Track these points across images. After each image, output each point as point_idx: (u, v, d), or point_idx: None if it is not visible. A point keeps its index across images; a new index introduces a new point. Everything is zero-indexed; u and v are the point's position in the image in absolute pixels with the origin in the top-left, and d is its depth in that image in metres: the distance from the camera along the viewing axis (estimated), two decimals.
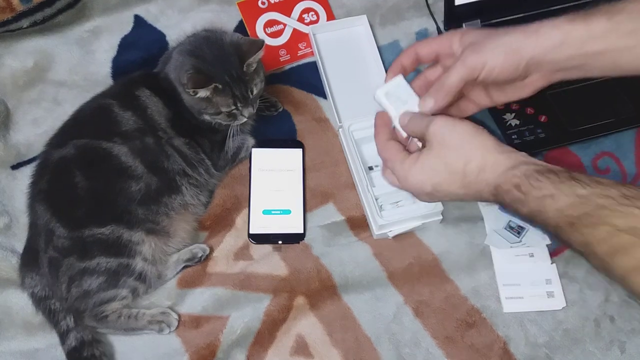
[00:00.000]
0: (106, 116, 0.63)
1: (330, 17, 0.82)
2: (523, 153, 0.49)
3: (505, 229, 0.66)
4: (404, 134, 0.55)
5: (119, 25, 0.81)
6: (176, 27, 0.80)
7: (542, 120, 0.71)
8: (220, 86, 0.61)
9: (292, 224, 0.67)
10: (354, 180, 0.69)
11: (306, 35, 0.80)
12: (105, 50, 0.79)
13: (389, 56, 0.78)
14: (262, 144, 0.71)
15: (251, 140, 0.71)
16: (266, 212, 0.68)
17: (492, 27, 0.53)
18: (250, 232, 0.67)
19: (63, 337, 0.60)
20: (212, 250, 0.66)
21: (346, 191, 0.69)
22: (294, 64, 0.79)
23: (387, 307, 0.63)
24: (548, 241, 0.65)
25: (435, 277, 0.64)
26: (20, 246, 0.65)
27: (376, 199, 0.65)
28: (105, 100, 0.65)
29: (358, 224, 0.67)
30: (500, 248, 0.65)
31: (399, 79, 0.56)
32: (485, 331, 0.61)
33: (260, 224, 0.67)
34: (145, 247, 0.61)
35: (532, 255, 0.65)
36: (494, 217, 0.67)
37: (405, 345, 0.61)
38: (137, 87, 0.65)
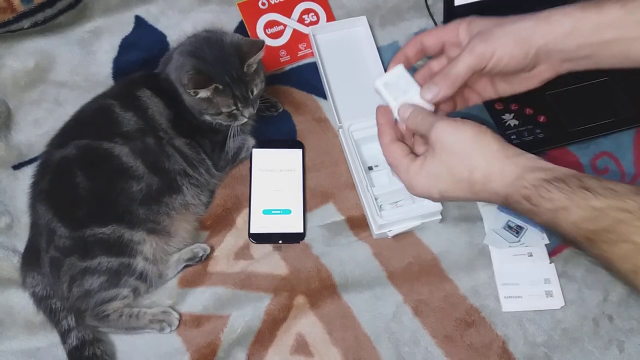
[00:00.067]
0: (107, 117, 0.64)
1: (330, 18, 0.82)
2: (530, 156, 0.47)
3: (504, 228, 0.66)
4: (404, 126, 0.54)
5: (120, 25, 0.81)
6: (177, 28, 0.80)
7: (541, 120, 0.71)
8: (220, 87, 0.61)
9: (292, 224, 0.67)
10: (353, 180, 0.70)
11: (306, 36, 0.80)
12: (106, 51, 0.79)
13: (388, 57, 0.78)
14: (262, 144, 0.72)
15: (252, 141, 0.71)
16: (266, 211, 0.68)
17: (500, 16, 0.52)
18: (251, 231, 0.67)
19: (64, 336, 0.61)
20: (212, 249, 0.66)
21: (346, 191, 0.70)
22: (294, 65, 0.79)
23: (387, 306, 0.63)
24: (547, 241, 0.65)
25: (435, 277, 0.64)
26: (21, 246, 0.65)
27: (376, 199, 0.65)
28: (106, 101, 0.66)
29: (358, 223, 0.68)
30: (499, 247, 0.65)
31: (400, 69, 0.54)
32: (484, 330, 0.61)
33: (260, 224, 0.67)
34: (147, 247, 0.62)
35: (530, 255, 0.65)
36: (493, 217, 0.67)
37: (405, 344, 0.61)
38: (138, 87, 0.66)
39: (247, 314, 0.62)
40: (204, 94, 0.61)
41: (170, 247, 0.65)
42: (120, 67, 0.78)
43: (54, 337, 0.61)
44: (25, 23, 0.76)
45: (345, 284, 0.64)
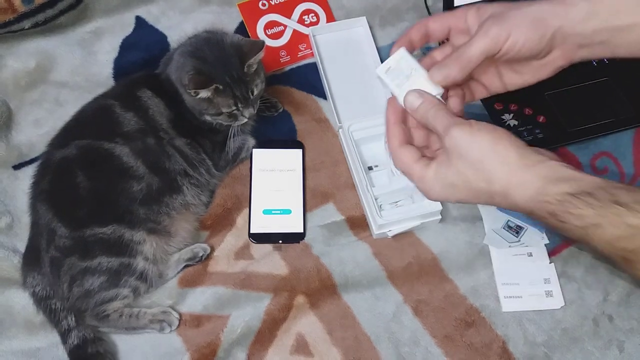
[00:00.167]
0: (108, 117, 0.64)
1: (330, 18, 0.82)
2: (551, 163, 0.44)
3: (503, 228, 0.66)
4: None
5: (121, 26, 0.81)
6: (177, 28, 0.80)
7: (541, 120, 0.71)
8: (221, 87, 0.62)
9: (292, 224, 0.67)
10: (353, 180, 0.70)
11: (306, 36, 0.80)
12: (106, 51, 0.79)
13: (388, 57, 0.78)
14: (262, 144, 0.72)
15: (252, 141, 0.71)
16: (266, 211, 0.68)
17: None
18: (251, 231, 0.67)
19: (64, 336, 0.61)
20: (212, 249, 0.66)
21: (346, 191, 0.70)
22: (294, 65, 0.80)
23: (387, 306, 0.63)
24: (547, 240, 0.65)
25: (435, 277, 0.64)
26: (22, 246, 0.65)
27: (376, 199, 0.65)
28: (107, 101, 0.66)
29: (358, 223, 0.68)
30: (499, 247, 0.65)
31: (402, 52, 0.50)
32: (484, 330, 0.61)
33: (260, 224, 0.67)
34: (147, 247, 0.62)
35: (530, 255, 0.65)
36: (492, 217, 0.67)
37: (405, 344, 0.61)
38: (139, 88, 0.66)
39: (247, 314, 0.62)
40: (204, 94, 0.62)
41: (170, 247, 0.65)
42: (120, 68, 0.78)
43: (54, 337, 0.61)
44: (26, 23, 0.76)
45: (345, 284, 0.64)
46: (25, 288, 0.63)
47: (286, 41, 0.81)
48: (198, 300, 0.63)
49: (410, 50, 0.51)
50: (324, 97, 0.76)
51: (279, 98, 0.76)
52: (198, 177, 0.67)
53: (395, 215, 0.64)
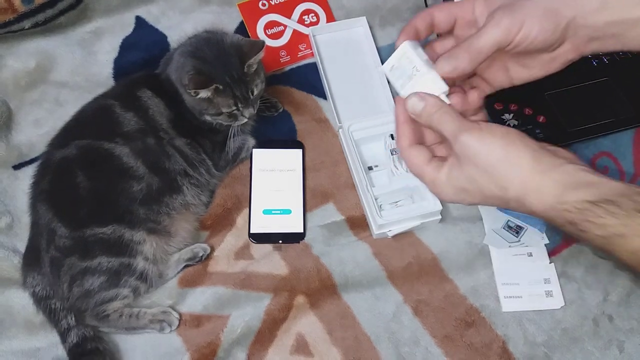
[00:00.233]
0: (108, 117, 0.64)
1: (330, 18, 0.82)
2: (568, 167, 0.41)
3: (503, 228, 0.66)
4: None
5: (121, 26, 0.81)
6: (177, 28, 0.80)
7: (541, 120, 0.71)
8: (221, 87, 0.62)
9: (292, 224, 0.67)
10: (353, 180, 0.70)
11: (306, 36, 0.80)
12: (106, 51, 0.79)
13: (388, 57, 0.78)
14: (262, 144, 0.72)
15: (252, 141, 0.71)
16: (266, 211, 0.68)
17: None
18: (251, 231, 0.67)
19: (64, 335, 0.61)
20: (212, 249, 0.66)
21: (346, 191, 0.70)
22: (294, 65, 0.80)
23: (387, 306, 0.63)
24: (546, 240, 0.65)
25: (435, 277, 0.64)
26: (22, 246, 0.65)
27: (376, 199, 0.65)
28: (107, 101, 0.66)
29: (358, 223, 0.68)
30: (498, 247, 0.65)
31: (405, 47, 0.47)
32: (484, 330, 0.61)
33: (260, 224, 0.67)
34: (147, 247, 0.62)
35: (530, 255, 0.65)
36: (492, 217, 0.67)
37: (405, 344, 0.61)
38: (139, 88, 0.66)
39: (247, 313, 0.62)
40: (204, 94, 0.62)
41: (170, 247, 0.65)
42: (121, 68, 0.78)
43: (54, 337, 0.61)
44: (26, 23, 0.76)
45: (345, 284, 0.64)
46: (25, 288, 0.63)
47: (286, 41, 0.81)
48: (198, 300, 0.63)
49: (415, 40, 0.49)
50: (324, 97, 0.76)
51: (279, 98, 0.76)
52: (198, 177, 0.67)
53: (395, 215, 0.64)
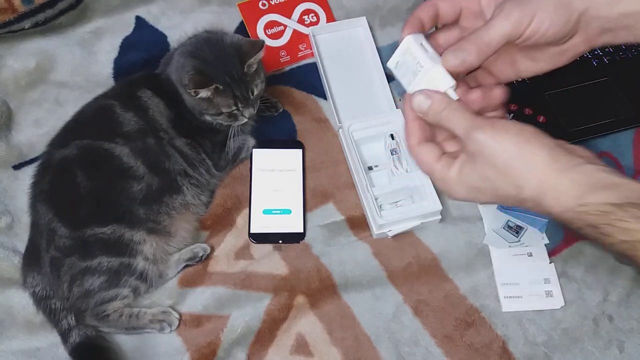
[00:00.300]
0: (108, 117, 0.64)
1: (330, 18, 0.82)
2: (588, 167, 0.39)
3: (503, 228, 0.66)
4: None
5: (121, 26, 0.81)
6: (177, 28, 0.80)
7: (541, 120, 0.71)
8: (221, 87, 0.62)
9: (292, 224, 0.67)
10: (353, 180, 0.70)
11: (306, 36, 0.80)
12: (106, 51, 0.79)
13: (388, 57, 0.78)
14: (262, 144, 0.72)
15: (252, 141, 0.71)
16: (266, 211, 0.68)
17: None
18: (251, 231, 0.67)
19: (65, 335, 0.61)
20: (212, 249, 0.66)
21: (346, 191, 0.70)
22: (294, 65, 0.80)
23: (387, 306, 0.63)
24: (546, 240, 0.65)
25: (435, 277, 0.64)
26: (22, 246, 0.65)
27: (376, 199, 0.65)
28: (107, 101, 0.66)
29: (358, 223, 0.68)
30: (498, 247, 0.65)
31: (408, 42, 0.45)
32: (484, 330, 0.61)
33: (260, 224, 0.67)
34: (147, 247, 0.62)
35: (530, 255, 0.65)
36: (492, 217, 0.67)
37: (405, 344, 0.61)
38: (139, 88, 0.66)
39: (247, 313, 0.62)
40: (204, 94, 0.62)
41: (170, 247, 0.65)
42: (120, 68, 0.78)
43: (54, 337, 0.61)
44: (26, 23, 0.76)
45: (345, 284, 0.64)
46: (25, 288, 0.63)
47: (286, 41, 0.81)
48: (198, 300, 0.63)
49: (420, 32, 0.47)
50: (324, 97, 0.76)
51: (279, 98, 0.76)
52: (198, 177, 0.67)
53: (395, 215, 0.64)
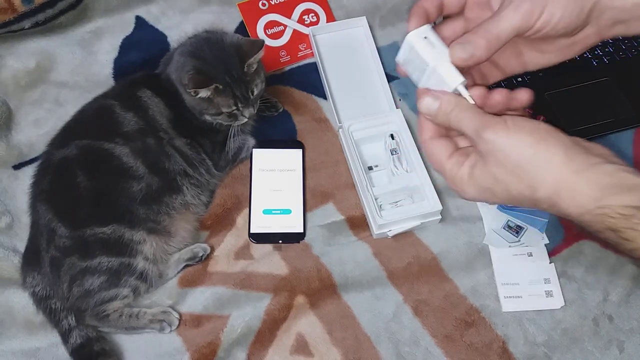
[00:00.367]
0: (108, 117, 0.64)
1: (330, 18, 0.82)
2: (607, 167, 0.37)
3: (503, 228, 0.66)
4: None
5: (121, 26, 0.81)
6: (177, 28, 0.80)
7: (540, 120, 0.71)
8: (221, 87, 0.62)
9: (292, 224, 0.67)
10: (353, 180, 0.70)
11: (306, 36, 0.80)
12: (106, 51, 0.79)
13: (388, 57, 0.79)
14: (262, 144, 0.72)
15: (252, 141, 0.71)
16: (266, 211, 0.68)
17: None
18: (251, 231, 0.67)
19: (65, 336, 0.61)
20: (212, 249, 0.66)
21: (346, 191, 0.70)
22: (294, 65, 0.80)
23: (387, 306, 0.63)
24: (546, 240, 0.65)
25: (435, 277, 0.64)
26: (21, 246, 0.65)
27: (376, 199, 0.65)
28: (107, 101, 0.66)
29: (358, 223, 0.68)
30: (498, 247, 0.65)
31: (411, 39, 0.43)
32: (484, 330, 0.61)
33: (260, 224, 0.67)
34: (147, 247, 0.62)
35: (530, 255, 0.65)
36: (492, 217, 0.67)
37: (405, 344, 0.61)
38: (139, 87, 0.66)
39: (247, 313, 0.62)
40: (204, 93, 0.62)
41: (170, 247, 0.65)
42: (120, 68, 0.78)
43: (54, 337, 0.61)
44: (26, 23, 0.76)
45: (345, 284, 0.64)
46: (25, 288, 0.63)
47: (286, 41, 0.81)
48: (198, 300, 0.63)
49: (426, 22, 0.44)
50: (324, 97, 0.76)
51: (279, 98, 0.76)
52: (198, 177, 0.67)
53: (395, 215, 0.64)
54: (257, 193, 0.69)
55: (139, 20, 0.82)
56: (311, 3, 0.82)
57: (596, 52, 0.76)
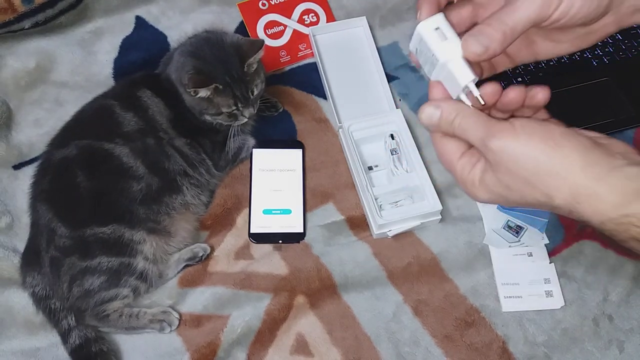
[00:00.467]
0: (108, 117, 0.64)
1: (330, 18, 0.82)
2: (629, 171, 0.34)
3: (503, 228, 0.66)
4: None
5: (121, 26, 0.81)
6: (177, 28, 0.80)
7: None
8: (220, 86, 0.62)
9: (292, 224, 0.67)
10: (353, 180, 0.70)
11: (306, 36, 0.80)
12: (106, 51, 0.79)
13: (388, 57, 0.79)
14: (262, 144, 0.72)
15: (252, 141, 0.71)
16: (266, 211, 0.68)
17: None
18: (251, 231, 0.67)
19: (65, 336, 0.61)
20: (212, 249, 0.66)
21: (346, 191, 0.70)
22: (294, 65, 0.80)
23: (387, 306, 0.63)
24: (546, 240, 0.65)
25: (435, 277, 0.64)
26: (21, 245, 0.65)
27: (376, 199, 0.65)
28: (107, 101, 0.66)
29: (358, 223, 0.68)
30: (498, 247, 0.65)
31: (420, 31, 0.40)
32: (484, 330, 0.61)
33: (260, 224, 0.67)
34: (147, 247, 0.62)
35: (530, 255, 0.65)
36: (492, 217, 0.67)
37: (405, 344, 0.61)
38: (139, 87, 0.66)
39: (247, 313, 0.62)
40: (204, 93, 0.62)
41: (170, 247, 0.65)
42: (120, 68, 0.78)
43: (54, 337, 0.61)
44: (26, 23, 0.76)
45: (345, 284, 0.64)
46: (25, 288, 0.63)
47: (286, 41, 0.81)
48: (198, 300, 0.63)
49: (437, 9, 0.41)
50: (324, 97, 0.76)
51: (279, 98, 0.76)
52: (198, 177, 0.67)
53: (395, 215, 0.64)
54: (257, 193, 0.69)
55: (139, 20, 0.82)
56: (311, 3, 0.82)
57: (596, 52, 0.76)
